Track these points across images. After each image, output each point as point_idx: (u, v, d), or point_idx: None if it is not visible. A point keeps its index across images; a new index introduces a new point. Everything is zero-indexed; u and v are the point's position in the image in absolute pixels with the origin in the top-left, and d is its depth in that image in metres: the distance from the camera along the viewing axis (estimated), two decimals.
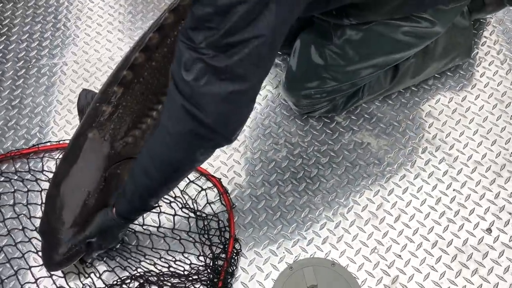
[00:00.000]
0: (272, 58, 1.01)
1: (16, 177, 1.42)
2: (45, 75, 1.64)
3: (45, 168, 1.44)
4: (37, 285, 1.27)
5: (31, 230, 1.34)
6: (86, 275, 1.27)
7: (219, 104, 0.96)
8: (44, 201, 1.29)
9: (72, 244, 1.21)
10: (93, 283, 1.26)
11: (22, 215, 1.37)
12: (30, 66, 1.66)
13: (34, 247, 1.32)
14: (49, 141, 1.48)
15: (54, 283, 1.27)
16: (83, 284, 1.26)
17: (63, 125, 1.54)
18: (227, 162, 1.44)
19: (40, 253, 1.28)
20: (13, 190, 1.40)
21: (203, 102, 0.96)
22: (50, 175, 1.42)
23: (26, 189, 1.40)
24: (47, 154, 1.47)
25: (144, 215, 1.32)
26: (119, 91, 1.29)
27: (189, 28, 0.95)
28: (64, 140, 1.48)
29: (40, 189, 1.40)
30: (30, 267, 1.29)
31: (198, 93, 0.96)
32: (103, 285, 1.26)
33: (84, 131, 1.28)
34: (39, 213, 1.36)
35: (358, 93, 1.43)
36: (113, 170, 1.25)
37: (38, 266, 1.29)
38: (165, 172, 1.08)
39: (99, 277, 1.27)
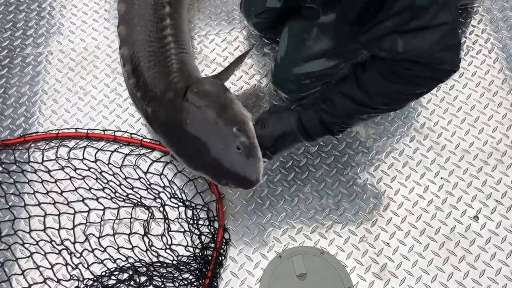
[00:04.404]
0: None
1: (1, 169, 1.40)
2: (30, 65, 1.61)
3: (31, 159, 1.42)
4: (24, 277, 1.26)
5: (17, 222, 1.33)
6: (74, 266, 1.26)
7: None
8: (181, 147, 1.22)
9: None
10: (81, 274, 1.26)
11: (8, 207, 1.35)
12: (14, 56, 1.63)
13: (21, 239, 1.30)
14: (36, 132, 1.46)
15: (41, 274, 1.26)
16: (71, 275, 1.25)
17: (49, 115, 1.51)
18: None
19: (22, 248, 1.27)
20: None
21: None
22: (36, 166, 1.41)
23: (12, 180, 1.38)
24: (33, 145, 1.45)
25: (134, 206, 1.32)
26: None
27: None
28: (50, 131, 1.46)
29: (27, 180, 1.39)
30: (16, 259, 1.28)
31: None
32: (92, 276, 1.25)
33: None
34: (25, 203, 1.35)
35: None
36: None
37: (24, 258, 1.28)
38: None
39: (87, 268, 1.26)
